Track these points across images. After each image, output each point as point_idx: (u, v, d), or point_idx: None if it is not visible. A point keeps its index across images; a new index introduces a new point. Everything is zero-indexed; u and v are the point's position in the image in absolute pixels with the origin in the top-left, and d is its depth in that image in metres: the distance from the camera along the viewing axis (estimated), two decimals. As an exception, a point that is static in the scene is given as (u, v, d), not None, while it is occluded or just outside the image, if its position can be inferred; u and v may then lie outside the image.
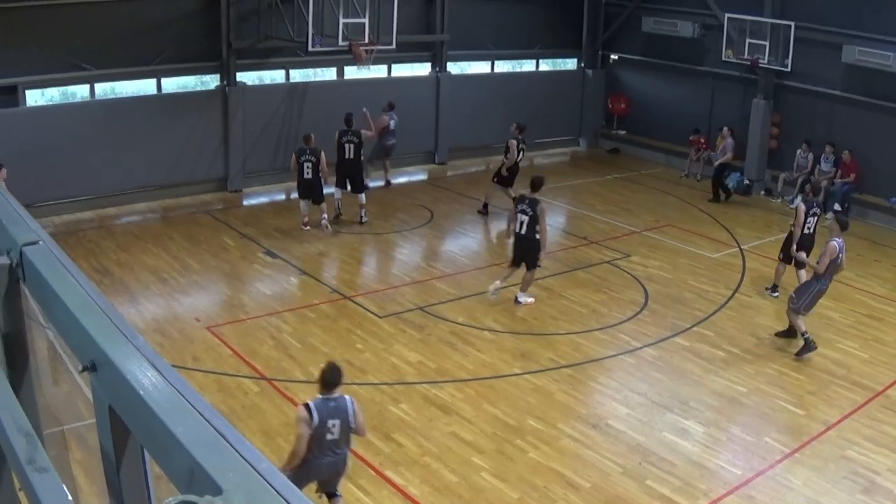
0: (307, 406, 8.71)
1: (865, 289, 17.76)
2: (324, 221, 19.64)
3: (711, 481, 10.78)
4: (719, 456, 11.38)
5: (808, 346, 14.26)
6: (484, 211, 21.99)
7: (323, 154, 19.47)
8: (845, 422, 12.40)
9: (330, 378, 8.85)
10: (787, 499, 10.43)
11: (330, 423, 8.68)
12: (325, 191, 19.78)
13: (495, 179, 21.86)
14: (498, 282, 16.20)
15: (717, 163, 24.34)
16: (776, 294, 17.13)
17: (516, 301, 16.14)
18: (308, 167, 19.22)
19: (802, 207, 16.96)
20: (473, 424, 11.79)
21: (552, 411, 12.30)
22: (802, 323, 14.39)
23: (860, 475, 11.01)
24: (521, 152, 21.62)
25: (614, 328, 15.33)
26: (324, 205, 19.61)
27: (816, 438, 11.87)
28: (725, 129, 24.38)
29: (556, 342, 14.62)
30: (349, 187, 20.58)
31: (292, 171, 19.60)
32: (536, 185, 16.04)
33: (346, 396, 8.92)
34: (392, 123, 23.50)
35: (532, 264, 16.11)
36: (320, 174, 19.36)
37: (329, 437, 8.72)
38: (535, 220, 15.73)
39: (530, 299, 16.24)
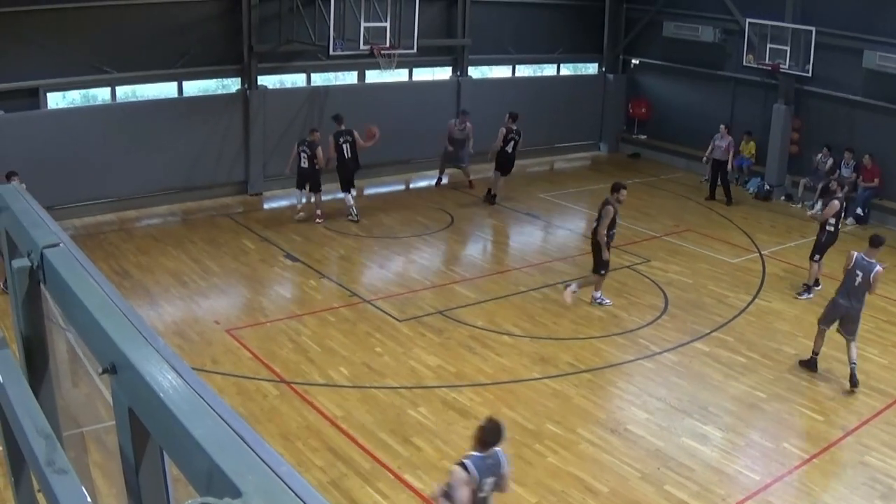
0: (464, 465, 8.02)
1: (885, 294, 17.64)
2: (318, 212, 20.50)
3: (730, 487, 10.74)
4: (738, 461, 11.34)
5: (811, 363, 14.15)
6: (489, 200, 22.80)
7: (320, 148, 20.21)
8: (864, 428, 12.34)
9: (491, 437, 8.17)
10: (805, 505, 10.39)
11: (485, 481, 8.10)
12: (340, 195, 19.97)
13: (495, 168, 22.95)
14: (574, 285, 16.36)
15: (707, 158, 24.72)
16: (810, 295, 17.27)
17: (593, 301, 16.49)
18: (304, 157, 20.08)
19: (836, 205, 17.30)
20: (492, 429, 11.77)
21: (571, 416, 12.28)
22: (820, 339, 14.22)
23: (879, 481, 10.96)
24: (513, 142, 22.51)
25: (634, 333, 15.30)
26: (320, 196, 20.39)
27: (835, 444, 11.82)
28: (723, 126, 24.31)
29: (575, 347, 14.60)
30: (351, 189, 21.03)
31: (290, 161, 20.43)
32: (614, 188, 16.32)
33: (500, 451, 8.28)
34: (456, 131, 23.90)
35: (594, 265, 16.32)
36: (316, 164, 20.12)
37: (481, 495, 8.11)
38: (598, 220, 16.09)
39: (606, 301, 16.52)
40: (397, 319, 15.20)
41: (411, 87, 25.73)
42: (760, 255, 19.81)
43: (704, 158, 24.60)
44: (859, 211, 22.65)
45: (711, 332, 15.45)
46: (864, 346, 15.07)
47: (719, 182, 24.37)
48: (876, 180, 22.56)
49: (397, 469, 10.70)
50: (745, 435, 12.07)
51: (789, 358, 14.49)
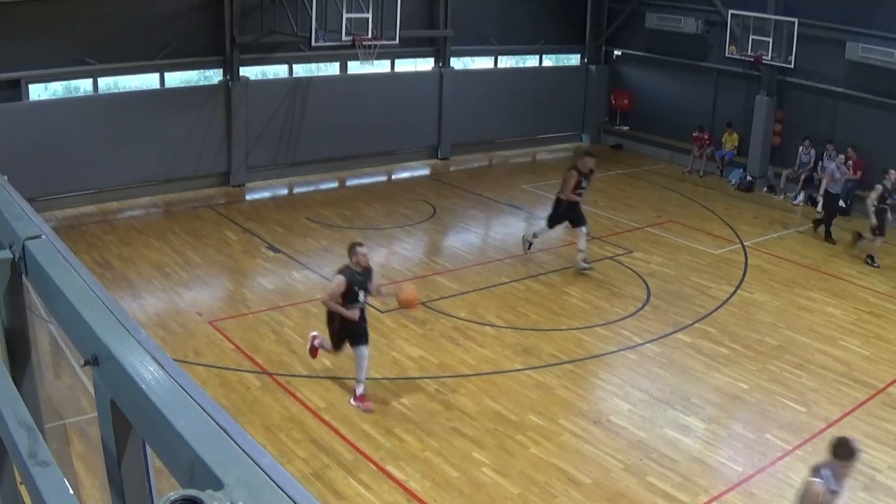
0: (819, 474, 7.93)
1: (868, 286, 17.75)
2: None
3: (712, 478, 10.78)
4: (720, 452, 11.39)
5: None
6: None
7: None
8: (846, 419, 12.39)
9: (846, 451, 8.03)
10: (788, 495, 10.39)
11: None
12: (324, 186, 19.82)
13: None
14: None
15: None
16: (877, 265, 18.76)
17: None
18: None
19: (879, 188, 18.59)
20: (475, 420, 11.79)
21: (553, 407, 12.30)
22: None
23: (861, 472, 10.97)
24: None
25: (616, 324, 15.32)
26: (584, 229, 17.78)
27: (818, 435, 11.85)
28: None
29: (557, 338, 14.61)
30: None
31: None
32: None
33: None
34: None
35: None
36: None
37: None
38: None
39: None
40: (380, 311, 15.17)
41: (393, 78, 25.67)
42: (743, 246, 19.86)
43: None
44: (842, 203, 22.72)
45: (694, 323, 15.48)
46: (846, 337, 15.18)
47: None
48: (859, 173, 22.61)
49: (379, 460, 10.70)
50: (728, 426, 12.10)
51: (772, 349, 14.54)
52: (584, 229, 17.53)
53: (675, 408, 12.48)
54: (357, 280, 11.81)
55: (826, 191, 20.44)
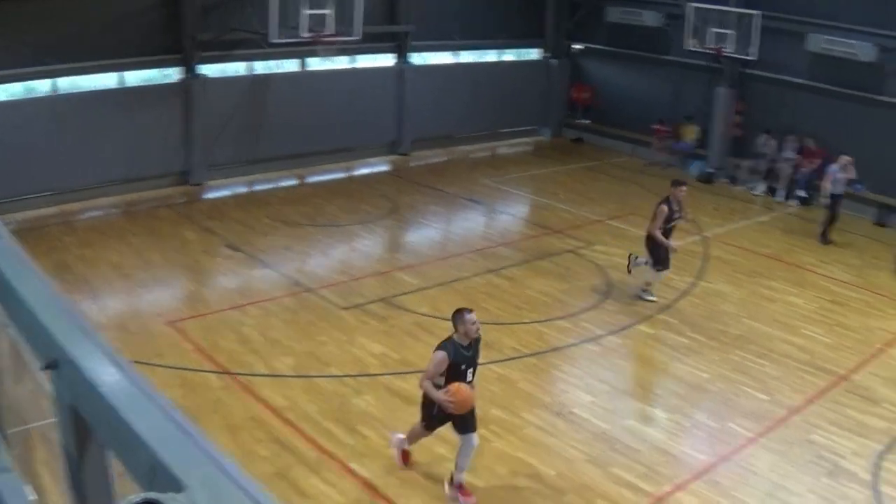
0: None
1: (829, 275, 17.93)
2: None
3: (676, 467, 10.84)
4: (684, 442, 11.45)
5: None
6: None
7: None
8: (809, 406, 12.50)
9: None
10: (751, 483, 10.50)
11: None
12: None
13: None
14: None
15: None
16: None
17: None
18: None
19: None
20: (438, 415, 11.78)
21: (516, 400, 12.31)
22: None
23: (825, 459, 11.10)
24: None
25: (577, 317, 15.36)
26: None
27: (781, 423, 11.95)
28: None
29: (519, 331, 14.63)
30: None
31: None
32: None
33: None
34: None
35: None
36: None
37: None
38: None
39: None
40: (341, 308, 15.15)
41: (353, 74, 25.59)
42: (704, 237, 19.98)
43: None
44: (803, 193, 22.94)
45: (655, 314, 15.57)
46: (809, 326, 15.34)
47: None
48: (818, 162, 22.79)
49: (344, 458, 10.67)
50: (691, 416, 12.17)
51: (734, 339, 14.67)
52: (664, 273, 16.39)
53: (637, 399, 12.57)
54: (463, 356, 9.74)
55: (831, 193, 20.18)
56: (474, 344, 9.85)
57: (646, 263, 16.12)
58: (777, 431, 11.75)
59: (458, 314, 9.75)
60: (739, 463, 10.99)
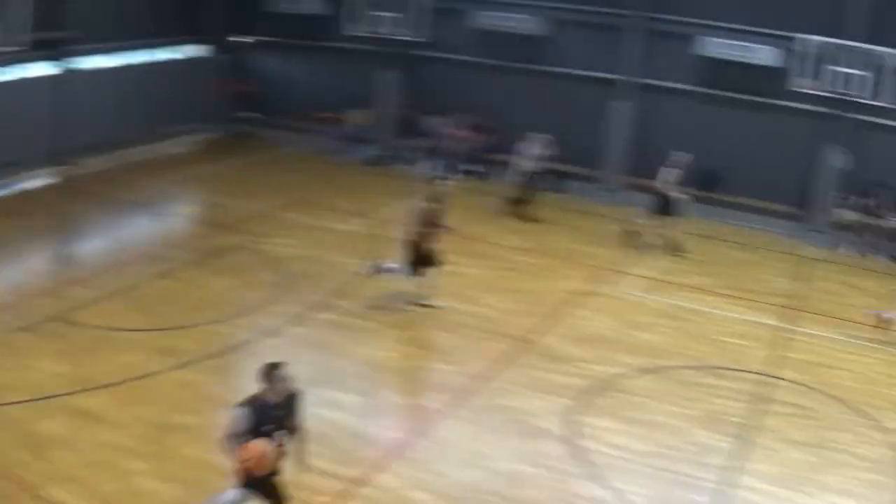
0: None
1: (501, 243, 18.24)
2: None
3: (372, 448, 10.70)
4: (377, 422, 11.34)
5: None
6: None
7: None
8: (496, 372, 12.69)
9: None
10: (450, 455, 10.53)
11: None
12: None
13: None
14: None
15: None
16: None
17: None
18: None
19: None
20: (125, 428, 11.04)
21: (204, 403, 11.73)
22: None
23: (518, 420, 11.38)
24: None
25: (255, 312, 14.94)
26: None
27: (470, 392, 12.05)
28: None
29: (197, 333, 14.01)
30: None
31: None
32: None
33: None
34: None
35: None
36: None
37: None
38: None
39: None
40: (11, 330, 13.92)
41: (5, 86, 23.85)
42: (372, 219, 20.06)
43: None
44: (477, 168, 23.43)
45: (332, 300, 15.41)
46: (484, 294, 15.58)
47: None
48: (483, 136, 23.30)
49: (36, 486, 9.75)
50: (380, 396, 12.12)
51: (417, 316, 14.77)
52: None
53: (324, 386, 12.21)
54: (269, 416, 8.42)
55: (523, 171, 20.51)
56: (289, 401, 8.62)
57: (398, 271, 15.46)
58: (468, 400, 11.90)
59: (269, 370, 8.49)
60: (435, 436, 11.06)
